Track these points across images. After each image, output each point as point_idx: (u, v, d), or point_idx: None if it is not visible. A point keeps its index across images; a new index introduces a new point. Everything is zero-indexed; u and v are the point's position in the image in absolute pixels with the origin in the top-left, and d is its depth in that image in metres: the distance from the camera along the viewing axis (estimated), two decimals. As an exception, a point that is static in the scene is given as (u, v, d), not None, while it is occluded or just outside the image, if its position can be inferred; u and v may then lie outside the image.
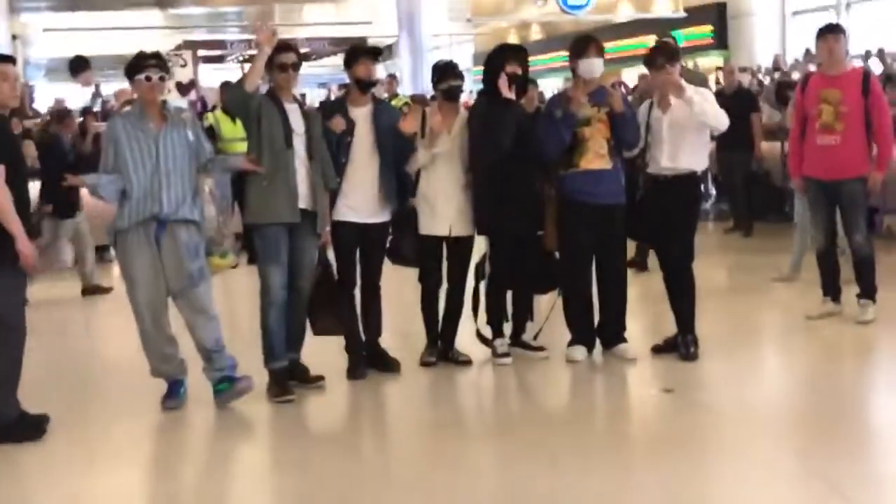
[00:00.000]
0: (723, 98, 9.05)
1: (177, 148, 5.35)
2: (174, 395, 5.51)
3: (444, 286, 6.14)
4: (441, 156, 5.95)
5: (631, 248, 7.51)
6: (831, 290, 6.84)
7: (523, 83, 6.01)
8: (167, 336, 5.47)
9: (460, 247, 6.08)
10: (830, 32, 6.70)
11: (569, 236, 5.99)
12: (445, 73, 6.07)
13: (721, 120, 6.01)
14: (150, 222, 5.31)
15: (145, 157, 5.28)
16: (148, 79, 5.33)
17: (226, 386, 5.44)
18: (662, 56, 6.07)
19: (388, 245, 6.05)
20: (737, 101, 10.00)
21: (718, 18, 20.77)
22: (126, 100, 13.43)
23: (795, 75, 13.21)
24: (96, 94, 13.98)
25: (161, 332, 5.43)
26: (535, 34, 29.11)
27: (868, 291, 6.71)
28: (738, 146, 10.09)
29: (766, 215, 10.85)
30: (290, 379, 5.66)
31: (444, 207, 5.97)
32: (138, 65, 5.37)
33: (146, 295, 5.35)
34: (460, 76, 6.16)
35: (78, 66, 12.39)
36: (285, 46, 5.74)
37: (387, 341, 6.14)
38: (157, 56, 5.49)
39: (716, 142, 10.37)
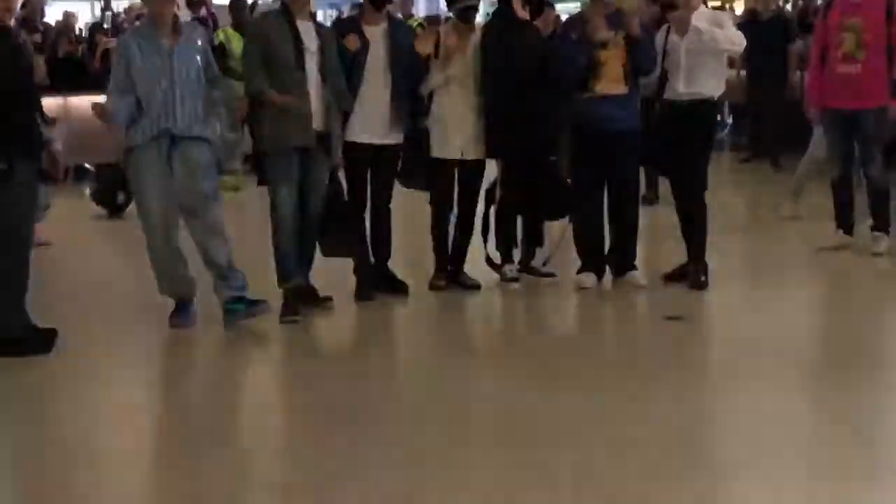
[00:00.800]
0: (757, 25, 8.91)
1: (190, 64, 5.29)
2: (182, 313, 5.50)
3: (455, 210, 6.10)
4: (454, 78, 5.86)
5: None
6: (845, 221, 6.77)
7: (538, 4, 5.89)
8: (178, 254, 5.42)
9: (472, 170, 6.03)
10: None
11: (581, 162, 5.93)
12: None
13: (736, 42, 5.94)
14: (163, 138, 5.26)
15: (159, 73, 5.21)
16: None
17: (240, 307, 5.41)
18: None
19: (399, 168, 6.00)
20: (771, 28, 9.76)
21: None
22: (137, 14, 13.31)
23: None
24: (106, 9, 13.80)
25: (172, 250, 5.39)
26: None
27: (882, 224, 6.65)
28: (770, 78, 9.85)
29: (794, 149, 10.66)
30: (300, 300, 5.66)
31: (456, 130, 5.91)
32: None
33: (158, 211, 5.30)
34: None
35: None
36: None
37: (396, 264, 6.11)
38: None
39: (746, 72, 10.21)
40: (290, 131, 5.42)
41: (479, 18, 7.06)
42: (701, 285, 5.94)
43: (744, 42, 6.01)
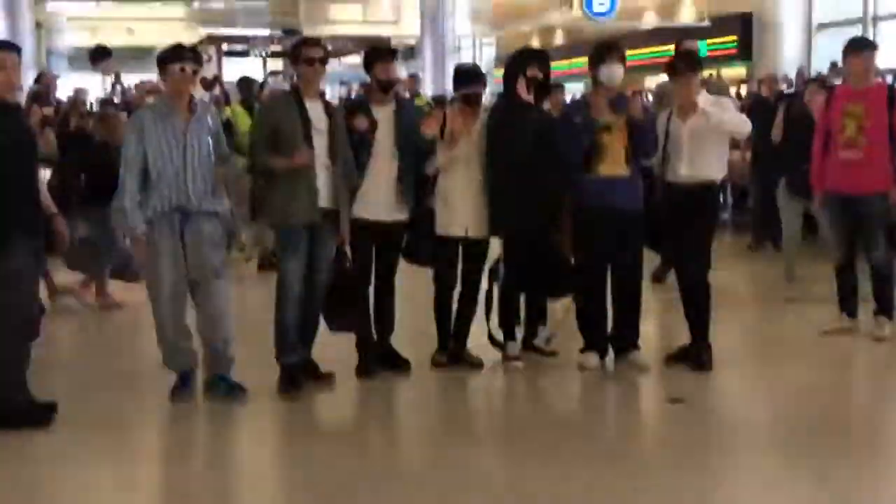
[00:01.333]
0: (763, 106, 8.95)
1: (202, 142, 5.37)
2: (185, 387, 5.49)
3: (458, 287, 6.12)
4: (460, 158, 5.93)
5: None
6: (848, 305, 6.79)
7: (544, 87, 5.98)
8: (184, 328, 5.45)
9: (476, 248, 6.06)
10: (867, 48, 6.68)
11: (584, 242, 5.96)
12: (467, 77, 6.07)
13: (742, 127, 6.03)
14: (175, 214, 5.32)
15: (173, 150, 5.29)
16: (182, 70, 5.33)
17: (221, 385, 5.44)
18: (684, 63, 6.04)
19: (404, 244, 6.04)
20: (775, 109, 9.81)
21: (743, 29, 20.68)
22: (149, 89, 13.50)
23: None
24: (116, 83, 14.03)
25: (178, 324, 5.42)
26: (559, 39, 29.09)
27: (886, 308, 6.66)
28: (777, 163, 9.88)
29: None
30: (300, 375, 5.65)
31: (461, 209, 5.96)
32: (173, 55, 5.39)
33: (167, 286, 5.32)
34: (483, 82, 6.15)
35: (98, 56, 12.41)
36: (313, 41, 5.78)
37: (398, 339, 6.11)
38: (192, 49, 5.56)
39: (752, 155, 10.24)
40: (298, 207, 5.48)
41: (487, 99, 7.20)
42: (703, 366, 5.92)
43: (749, 126, 6.10)
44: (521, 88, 5.85)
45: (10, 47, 5.21)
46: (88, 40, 29.69)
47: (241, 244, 9.35)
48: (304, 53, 5.57)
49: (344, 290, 5.67)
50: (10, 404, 4.96)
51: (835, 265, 6.83)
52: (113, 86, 12.88)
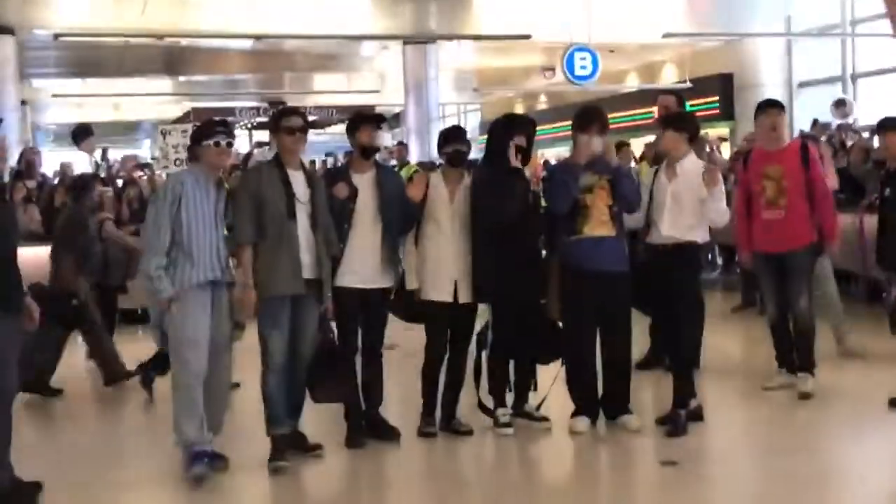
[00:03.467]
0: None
1: (221, 212, 5.42)
2: (201, 461, 5.30)
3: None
4: (445, 222, 5.90)
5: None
6: (786, 361, 6.76)
7: (527, 154, 5.99)
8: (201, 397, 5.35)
9: (463, 314, 6.01)
10: (773, 106, 6.75)
11: (571, 305, 5.92)
12: (451, 137, 6.08)
13: (721, 220, 6.09)
14: (209, 285, 5.31)
15: (208, 221, 5.32)
16: (217, 144, 5.36)
17: (204, 458, 5.32)
18: (675, 123, 6.09)
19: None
20: None
21: (724, 89, 20.94)
22: (133, 164, 13.52)
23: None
24: (104, 158, 14.07)
25: (201, 398, 5.33)
26: (542, 104, 29.39)
27: (806, 363, 6.63)
28: None
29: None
30: (289, 447, 5.55)
31: (447, 273, 5.92)
32: (208, 131, 5.42)
33: (201, 359, 5.27)
34: (466, 142, 6.15)
35: (80, 134, 12.46)
36: (292, 110, 5.80)
37: (388, 406, 6.03)
38: (224, 123, 5.58)
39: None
40: (280, 279, 5.43)
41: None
42: (678, 432, 5.83)
43: (726, 220, 6.14)
44: (512, 155, 5.85)
45: None
46: (74, 116, 29.86)
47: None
48: (284, 123, 5.58)
49: (327, 361, 5.61)
50: None
51: (769, 323, 6.84)
52: (97, 163, 12.90)
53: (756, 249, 6.75)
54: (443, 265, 5.92)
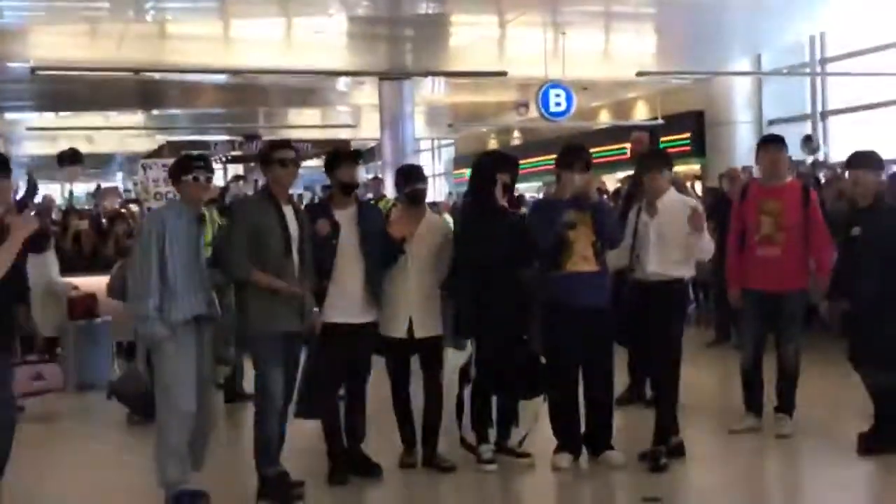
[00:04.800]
0: (726, 203, 8.98)
1: (202, 247, 5.39)
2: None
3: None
4: (402, 259, 5.92)
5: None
6: (755, 404, 6.69)
7: (511, 191, 6.07)
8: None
9: (427, 348, 6.03)
10: (773, 143, 6.71)
11: (554, 340, 5.95)
12: (411, 177, 6.12)
13: (708, 255, 6.15)
14: (194, 321, 5.27)
15: (191, 256, 5.27)
16: (196, 179, 5.35)
17: (186, 498, 5.29)
18: (655, 160, 6.15)
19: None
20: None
21: (696, 126, 21.16)
22: (110, 198, 13.45)
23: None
24: (97, 192, 14.01)
25: (187, 438, 5.29)
26: (516, 139, 29.56)
27: (787, 406, 6.59)
28: None
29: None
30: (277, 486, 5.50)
31: (404, 309, 5.94)
32: (186, 166, 5.41)
33: (190, 398, 5.22)
34: (425, 180, 6.23)
35: (68, 159, 12.28)
36: (284, 143, 5.81)
37: (369, 444, 6.01)
38: (202, 158, 5.57)
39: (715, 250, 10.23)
40: (281, 315, 5.41)
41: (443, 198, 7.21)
42: (659, 468, 5.83)
43: (710, 255, 6.19)
44: (498, 192, 5.90)
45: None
46: (48, 148, 29.68)
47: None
48: (278, 155, 5.56)
49: (314, 378, 5.60)
50: None
51: (742, 364, 6.73)
52: (71, 192, 12.84)
53: (747, 286, 6.62)
54: (399, 302, 5.94)
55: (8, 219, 5.04)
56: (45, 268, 9.03)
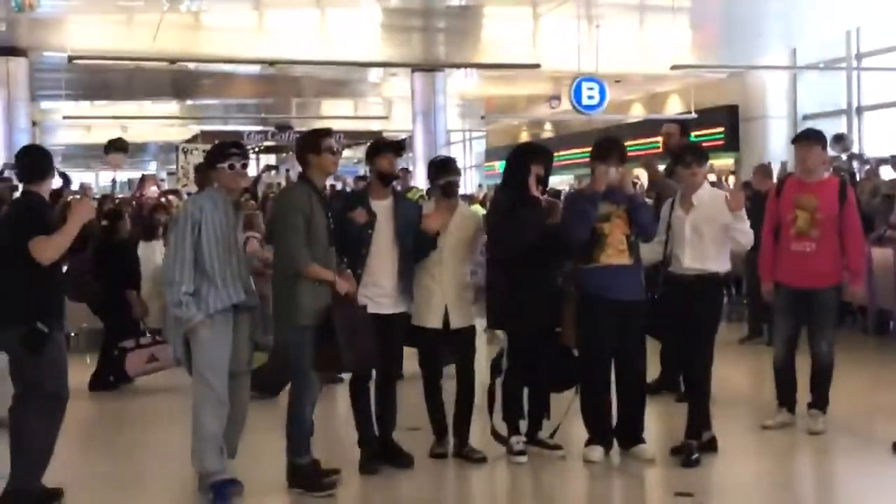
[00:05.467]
0: (758, 199, 8.95)
1: (240, 235, 5.41)
2: (225, 495, 5.28)
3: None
4: (436, 250, 5.93)
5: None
6: (788, 399, 6.66)
7: (545, 183, 6.06)
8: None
9: (461, 339, 6.04)
10: (806, 138, 6.64)
11: (587, 333, 5.94)
12: (443, 168, 6.12)
13: (748, 241, 6.09)
14: (231, 309, 5.28)
15: (230, 244, 5.27)
16: (231, 167, 5.34)
17: (229, 488, 5.31)
18: (691, 155, 6.12)
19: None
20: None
21: (730, 120, 21.04)
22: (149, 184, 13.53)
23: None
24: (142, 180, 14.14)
25: (223, 427, 5.30)
26: (547, 132, 29.50)
27: (821, 402, 6.55)
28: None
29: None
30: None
31: (437, 300, 5.96)
32: (222, 153, 5.38)
33: (225, 386, 5.24)
34: (458, 172, 6.22)
35: (113, 146, 12.39)
36: (328, 132, 5.78)
37: (401, 430, 6.05)
38: (237, 145, 5.53)
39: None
40: (321, 304, 5.40)
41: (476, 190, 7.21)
42: (691, 463, 5.82)
43: (751, 242, 6.14)
44: (532, 184, 5.90)
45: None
46: (83, 138, 29.94)
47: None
48: (327, 143, 5.55)
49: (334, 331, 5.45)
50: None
51: (774, 359, 6.70)
52: (114, 180, 12.99)
53: (780, 281, 6.59)
54: (434, 292, 5.96)
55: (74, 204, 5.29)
56: (154, 255, 9.15)
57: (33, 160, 5.35)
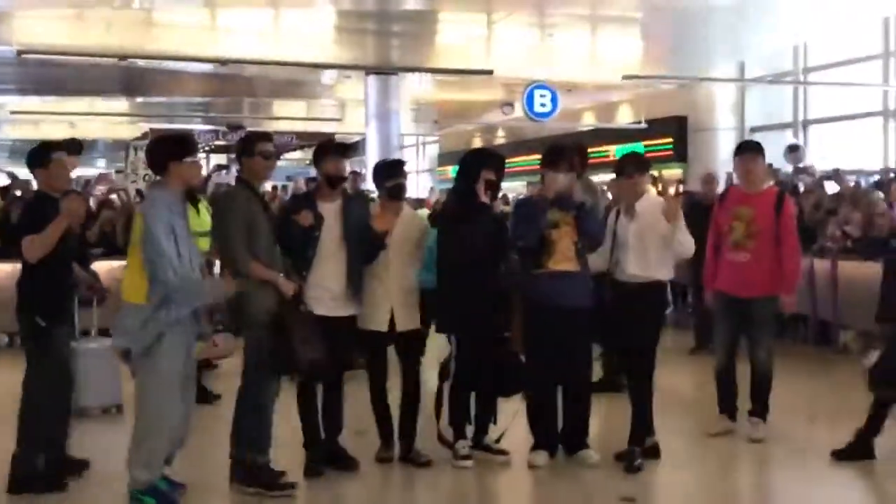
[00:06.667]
0: (701, 208, 9.07)
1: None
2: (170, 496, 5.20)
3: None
4: (383, 252, 5.94)
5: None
6: (729, 407, 6.76)
7: (496, 189, 6.09)
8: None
9: (408, 341, 6.06)
10: (748, 150, 6.76)
11: (534, 338, 5.99)
12: (393, 171, 6.14)
13: (688, 251, 6.17)
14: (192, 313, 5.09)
15: (191, 244, 5.08)
16: (194, 162, 5.21)
17: (165, 484, 5.25)
18: (632, 165, 6.19)
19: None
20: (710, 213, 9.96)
21: (679, 131, 21.27)
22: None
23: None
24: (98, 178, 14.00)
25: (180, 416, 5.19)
26: (500, 138, 29.61)
27: (761, 410, 6.66)
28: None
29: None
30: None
31: (385, 302, 5.97)
32: (188, 146, 5.21)
33: (190, 395, 5.20)
34: (405, 174, 6.24)
35: (67, 147, 12.26)
36: (265, 135, 5.81)
37: (348, 434, 6.06)
38: (192, 138, 5.45)
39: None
40: (271, 304, 5.43)
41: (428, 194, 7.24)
42: (634, 468, 5.90)
43: (691, 251, 6.21)
44: (481, 190, 5.94)
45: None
46: (30, 133, 29.50)
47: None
48: (261, 147, 5.57)
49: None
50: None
51: (715, 367, 6.79)
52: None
53: (719, 289, 6.71)
54: (380, 295, 5.97)
55: (63, 202, 5.44)
56: None
57: None
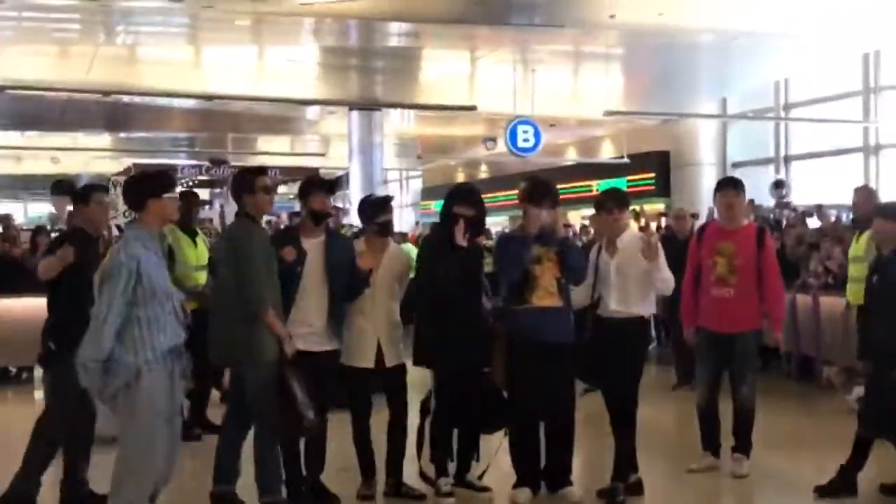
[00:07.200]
0: (675, 243, 9.09)
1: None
2: None
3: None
4: (368, 289, 5.93)
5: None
6: (712, 443, 6.74)
7: (478, 224, 6.08)
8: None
9: (392, 376, 6.04)
10: (729, 186, 6.78)
11: (517, 374, 5.97)
12: (382, 208, 6.15)
13: (668, 288, 6.18)
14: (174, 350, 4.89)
15: (167, 283, 4.87)
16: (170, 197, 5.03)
17: None
18: (612, 201, 6.20)
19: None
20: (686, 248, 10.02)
21: (661, 166, 21.41)
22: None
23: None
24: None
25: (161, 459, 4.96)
26: (483, 173, 29.72)
27: (744, 446, 6.63)
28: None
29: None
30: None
31: (371, 338, 5.95)
32: (163, 182, 4.98)
33: (175, 433, 4.95)
34: (391, 210, 6.24)
35: (58, 189, 12.30)
36: (261, 170, 5.84)
37: (327, 476, 5.98)
38: (169, 174, 5.28)
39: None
40: (274, 344, 5.44)
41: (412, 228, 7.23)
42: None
43: (671, 288, 6.22)
44: (459, 232, 5.91)
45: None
46: (12, 168, 29.42)
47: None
48: (261, 183, 5.59)
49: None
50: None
51: (698, 403, 6.76)
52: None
53: (701, 325, 6.71)
54: (366, 330, 5.95)
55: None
56: None
57: None
